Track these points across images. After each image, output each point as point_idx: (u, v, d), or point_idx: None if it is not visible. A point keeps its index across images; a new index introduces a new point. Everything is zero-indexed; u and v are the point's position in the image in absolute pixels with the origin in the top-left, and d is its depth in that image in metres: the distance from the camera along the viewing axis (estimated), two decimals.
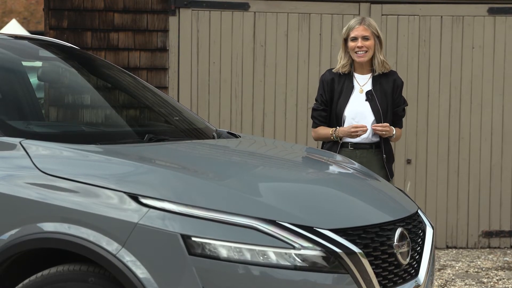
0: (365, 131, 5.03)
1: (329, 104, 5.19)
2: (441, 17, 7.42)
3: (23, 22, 19.95)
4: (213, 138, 4.47)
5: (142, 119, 4.94)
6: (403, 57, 7.41)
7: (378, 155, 5.14)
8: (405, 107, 5.34)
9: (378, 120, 5.12)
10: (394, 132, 5.14)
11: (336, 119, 5.15)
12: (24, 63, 4.56)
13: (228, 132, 4.75)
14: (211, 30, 7.30)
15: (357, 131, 5.03)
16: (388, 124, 5.09)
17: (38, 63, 4.77)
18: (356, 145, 5.12)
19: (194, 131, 4.53)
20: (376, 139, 5.13)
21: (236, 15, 7.31)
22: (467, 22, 7.44)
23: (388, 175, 5.14)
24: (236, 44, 7.33)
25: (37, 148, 3.37)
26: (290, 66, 7.37)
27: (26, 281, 3.24)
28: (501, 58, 7.48)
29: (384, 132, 5.07)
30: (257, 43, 7.33)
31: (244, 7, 7.32)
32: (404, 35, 7.40)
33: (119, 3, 7.17)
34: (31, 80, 4.65)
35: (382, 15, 7.36)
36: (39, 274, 3.23)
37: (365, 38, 5.12)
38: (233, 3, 7.31)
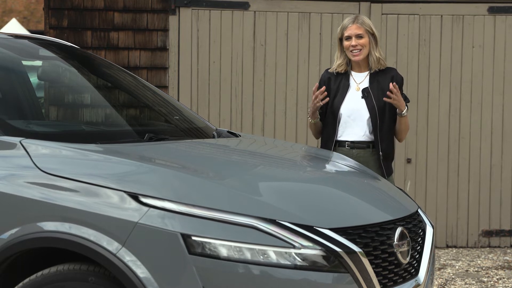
0: (323, 93, 4.99)
1: (326, 102, 5.16)
2: (441, 16, 7.42)
3: (23, 21, 19.95)
4: (213, 137, 4.47)
5: (142, 118, 4.94)
6: (403, 57, 7.40)
7: (375, 155, 5.10)
8: (407, 104, 5.28)
9: (373, 117, 5.07)
10: (405, 110, 5.05)
11: (332, 117, 5.13)
12: (24, 63, 4.56)
13: (228, 131, 4.74)
14: (211, 29, 7.30)
15: (316, 98, 4.99)
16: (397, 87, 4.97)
17: (38, 63, 4.77)
18: (353, 144, 5.09)
19: (194, 130, 4.53)
20: (372, 137, 5.09)
21: (236, 14, 7.31)
22: (467, 21, 7.44)
23: (385, 174, 5.10)
24: (236, 43, 7.32)
25: (37, 147, 3.37)
26: (290, 66, 7.37)
27: (26, 280, 3.24)
28: (501, 57, 7.48)
29: (394, 99, 4.97)
30: (257, 43, 7.33)
31: (244, 6, 7.31)
32: (404, 35, 7.40)
33: (119, 3, 7.17)
34: (31, 79, 4.65)
35: (382, 14, 7.36)
36: (39, 273, 3.23)
37: (358, 36, 5.10)
38: (233, 2, 7.30)
